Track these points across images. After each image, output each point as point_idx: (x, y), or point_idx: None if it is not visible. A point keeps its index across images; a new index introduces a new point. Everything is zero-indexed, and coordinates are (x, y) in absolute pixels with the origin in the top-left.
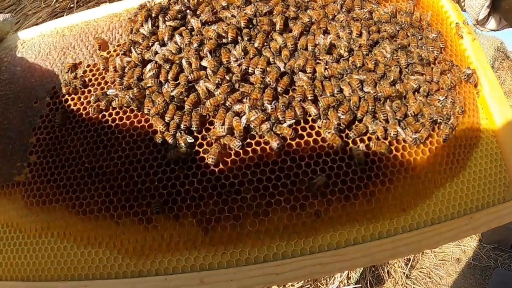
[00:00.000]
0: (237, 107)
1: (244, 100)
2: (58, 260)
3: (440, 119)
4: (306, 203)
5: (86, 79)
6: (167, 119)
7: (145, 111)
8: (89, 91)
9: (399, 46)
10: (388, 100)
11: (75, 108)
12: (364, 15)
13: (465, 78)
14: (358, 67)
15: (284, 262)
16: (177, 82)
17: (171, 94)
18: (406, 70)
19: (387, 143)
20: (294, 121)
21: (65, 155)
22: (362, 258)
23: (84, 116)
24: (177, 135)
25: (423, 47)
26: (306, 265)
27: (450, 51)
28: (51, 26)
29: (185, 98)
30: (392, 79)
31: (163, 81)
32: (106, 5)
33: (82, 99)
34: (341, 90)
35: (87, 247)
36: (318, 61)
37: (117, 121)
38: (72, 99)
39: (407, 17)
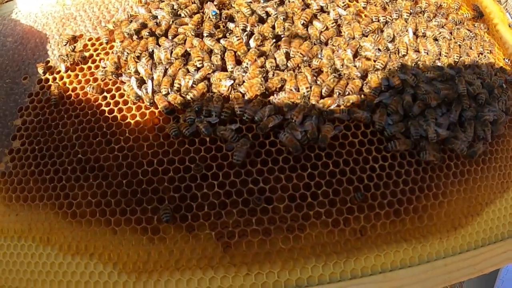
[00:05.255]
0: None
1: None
2: (40, 271)
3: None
4: (351, 217)
5: (87, 54)
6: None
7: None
8: (89, 68)
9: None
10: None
11: (71, 87)
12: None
13: None
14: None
15: None
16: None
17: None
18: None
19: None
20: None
21: (55, 142)
22: (413, 284)
23: (81, 96)
24: (196, 120)
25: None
26: None
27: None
28: None
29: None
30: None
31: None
32: None
33: (80, 77)
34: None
35: (75, 257)
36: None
37: (121, 105)
38: (69, 76)
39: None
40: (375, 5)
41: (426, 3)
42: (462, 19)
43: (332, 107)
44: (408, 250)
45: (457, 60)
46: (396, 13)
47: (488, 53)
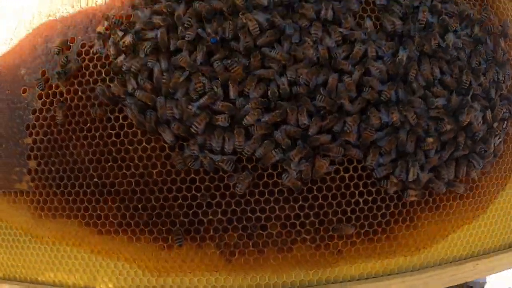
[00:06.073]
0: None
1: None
2: (76, 269)
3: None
4: (331, 243)
5: (83, 64)
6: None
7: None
8: (87, 82)
9: None
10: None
11: (73, 104)
12: None
13: None
14: None
15: None
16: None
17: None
18: None
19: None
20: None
21: (69, 164)
22: None
23: (85, 116)
24: (200, 155)
25: None
26: None
27: None
28: None
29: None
30: None
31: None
32: None
33: (80, 93)
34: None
35: (105, 259)
36: None
37: (126, 128)
38: (69, 91)
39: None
40: (391, 14)
41: (451, 12)
42: (484, 36)
43: (329, 146)
44: (375, 264)
45: (465, 87)
46: (413, 30)
47: (501, 81)
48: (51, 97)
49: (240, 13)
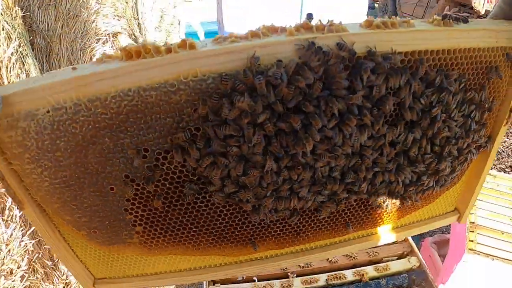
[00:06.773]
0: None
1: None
2: (186, 261)
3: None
4: (340, 231)
5: (164, 167)
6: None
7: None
8: (172, 179)
9: None
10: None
11: (164, 193)
12: None
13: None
14: None
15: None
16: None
17: None
18: None
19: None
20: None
21: (171, 224)
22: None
23: (177, 197)
24: (268, 214)
25: None
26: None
27: None
28: (69, 97)
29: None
30: None
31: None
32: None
33: (168, 185)
34: None
35: (205, 255)
36: None
37: (212, 201)
38: (157, 186)
39: None
40: (411, 111)
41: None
42: (476, 113)
43: (348, 197)
44: (360, 233)
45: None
46: (423, 122)
47: (475, 141)
48: (141, 189)
49: (304, 141)
